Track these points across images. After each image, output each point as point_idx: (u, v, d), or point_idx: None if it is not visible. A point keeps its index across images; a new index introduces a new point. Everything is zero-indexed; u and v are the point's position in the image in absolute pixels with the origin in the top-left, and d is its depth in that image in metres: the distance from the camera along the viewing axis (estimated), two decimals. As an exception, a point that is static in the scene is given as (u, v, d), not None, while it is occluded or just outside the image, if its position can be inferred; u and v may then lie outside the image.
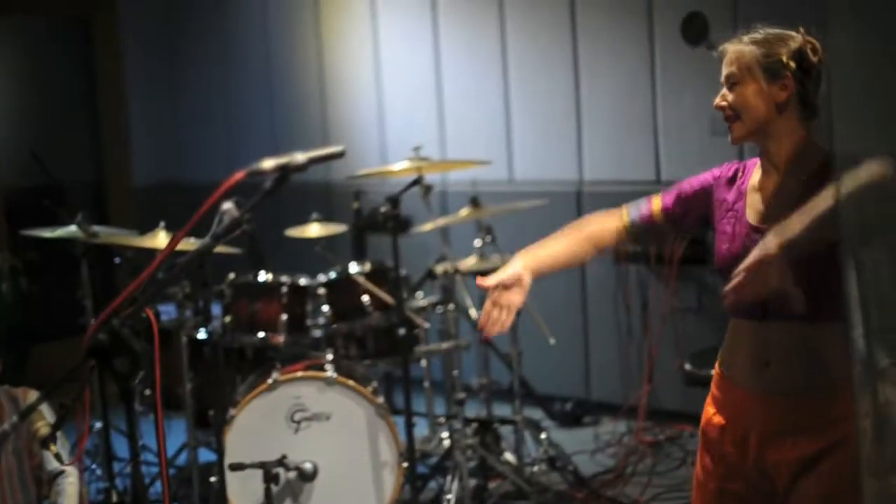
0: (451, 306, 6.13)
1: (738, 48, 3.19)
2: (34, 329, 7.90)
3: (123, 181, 9.26)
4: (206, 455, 5.81)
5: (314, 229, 6.01)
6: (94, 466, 5.97)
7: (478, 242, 6.23)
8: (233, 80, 9.08)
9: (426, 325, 5.91)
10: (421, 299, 6.11)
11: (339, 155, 2.58)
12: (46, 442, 4.07)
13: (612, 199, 7.04)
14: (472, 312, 6.23)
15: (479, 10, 7.57)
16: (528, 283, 3.22)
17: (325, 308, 5.72)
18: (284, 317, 5.65)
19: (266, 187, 2.45)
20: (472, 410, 6.33)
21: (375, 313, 5.76)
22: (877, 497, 2.07)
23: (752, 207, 3.16)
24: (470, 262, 6.19)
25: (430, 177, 5.77)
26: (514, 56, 7.44)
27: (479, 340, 6.17)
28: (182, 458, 5.98)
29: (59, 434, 4.24)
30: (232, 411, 5.12)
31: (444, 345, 6.02)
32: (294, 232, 6.03)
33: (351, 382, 5.17)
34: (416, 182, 5.51)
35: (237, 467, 4.75)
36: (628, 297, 7.03)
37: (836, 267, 2.42)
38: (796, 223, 2.82)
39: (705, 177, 3.33)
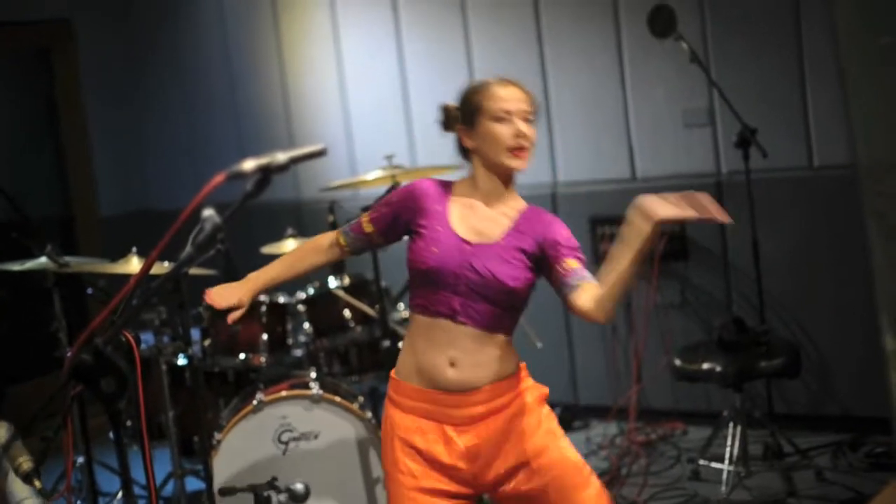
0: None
1: (529, 93, 3.67)
2: (8, 369, 7.73)
3: (90, 212, 9.11)
4: (193, 484, 5.69)
5: (290, 245, 5.89)
6: (78, 503, 5.84)
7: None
8: (197, 105, 8.96)
9: (410, 335, 5.81)
10: (403, 310, 6.01)
11: (321, 153, 2.49)
12: (30, 477, 3.94)
13: (587, 199, 6.99)
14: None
15: (441, 15, 7.47)
16: (246, 303, 3.84)
17: (306, 325, 5.62)
18: (265, 337, 5.54)
19: (248, 190, 2.35)
20: (461, 421, 6.23)
21: (358, 327, 5.67)
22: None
23: (463, 223, 3.61)
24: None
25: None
26: (480, 60, 7.34)
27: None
28: (169, 489, 5.85)
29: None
30: (217, 436, 5.00)
31: (430, 355, 5.92)
32: (269, 249, 5.92)
33: (337, 399, 5.06)
34: (392, 189, 5.41)
35: (227, 492, 4.63)
36: (610, 298, 6.93)
37: (524, 294, 3.59)
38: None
39: (400, 191, 3.75)
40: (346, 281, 5.72)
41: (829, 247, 6.23)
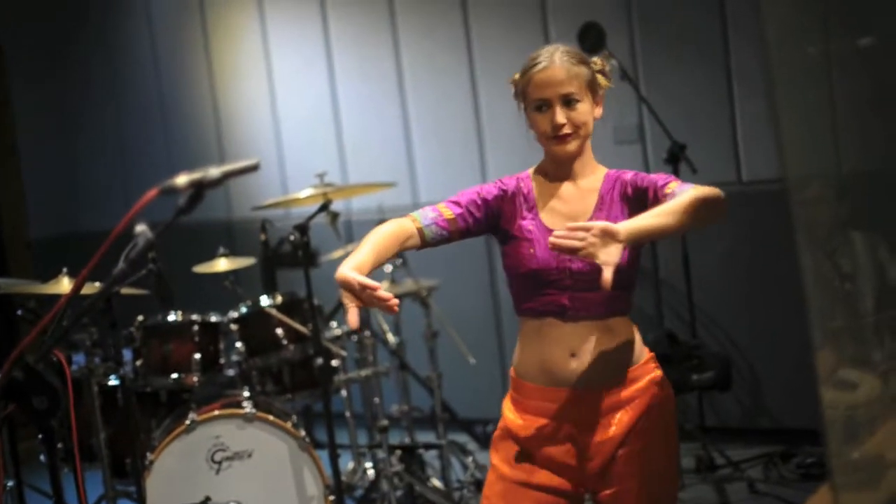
0: (366, 333, 6.02)
1: (571, 68, 3.39)
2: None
3: (20, 234, 9.01)
4: (126, 506, 5.63)
5: (222, 264, 5.86)
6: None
7: (389, 268, 6.13)
8: (126, 125, 8.91)
9: (343, 353, 5.80)
10: (335, 329, 6.00)
11: (254, 168, 2.48)
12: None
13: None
14: (390, 338, 6.13)
15: (372, 33, 7.49)
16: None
17: (239, 344, 5.59)
18: (197, 356, 5.48)
19: (181, 205, 2.34)
20: (395, 439, 6.22)
21: (291, 346, 5.63)
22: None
23: (552, 214, 3.42)
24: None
25: (335, 205, 5.67)
26: (411, 77, 7.36)
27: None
28: (101, 511, 5.78)
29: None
30: (150, 456, 4.96)
31: (364, 372, 5.92)
32: (202, 268, 5.88)
33: (271, 417, 5.04)
34: (324, 208, 5.41)
35: (161, 513, 4.60)
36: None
37: (631, 269, 3.33)
38: (642, 221, 3.07)
39: (491, 188, 3.50)
40: (279, 299, 5.69)
41: (759, 260, 6.29)
